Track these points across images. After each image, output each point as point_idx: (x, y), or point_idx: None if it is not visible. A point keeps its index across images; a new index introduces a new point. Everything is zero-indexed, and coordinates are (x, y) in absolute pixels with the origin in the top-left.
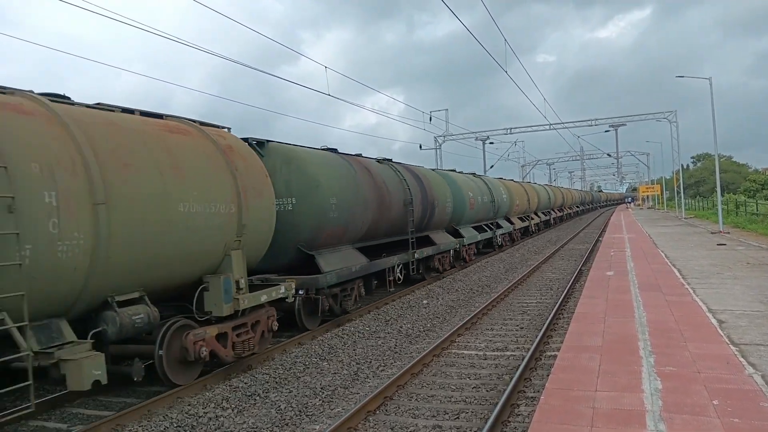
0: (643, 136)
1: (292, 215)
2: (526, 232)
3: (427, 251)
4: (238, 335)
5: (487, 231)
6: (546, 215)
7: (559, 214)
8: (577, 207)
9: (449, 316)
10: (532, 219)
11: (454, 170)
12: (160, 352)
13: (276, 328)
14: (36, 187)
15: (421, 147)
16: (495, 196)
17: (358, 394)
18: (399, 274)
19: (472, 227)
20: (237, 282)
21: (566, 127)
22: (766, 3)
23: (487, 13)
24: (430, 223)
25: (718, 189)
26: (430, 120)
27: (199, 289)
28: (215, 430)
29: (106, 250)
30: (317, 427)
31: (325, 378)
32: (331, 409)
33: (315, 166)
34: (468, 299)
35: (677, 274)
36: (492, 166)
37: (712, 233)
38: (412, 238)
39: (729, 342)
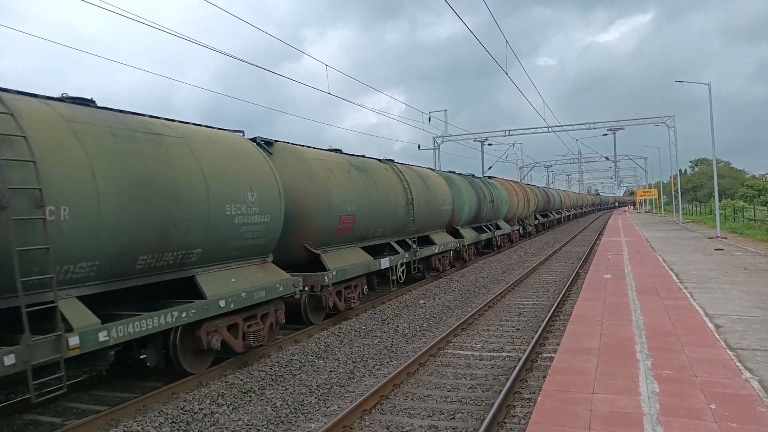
0: (641, 141)
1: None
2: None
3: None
4: None
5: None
6: (569, 212)
7: (581, 210)
8: (589, 208)
9: (446, 317)
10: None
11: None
12: None
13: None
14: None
15: (420, 147)
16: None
17: (354, 392)
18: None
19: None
20: None
21: (565, 130)
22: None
23: (489, 15)
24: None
25: (716, 194)
26: (429, 120)
27: None
28: (210, 426)
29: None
30: (313, 425)
31: (321, 376)
32: (327, 408)
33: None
34: (465, 300)
35: (674, 278)
36: (490, 168)
37: (709, 238)
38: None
39: (726, 346)
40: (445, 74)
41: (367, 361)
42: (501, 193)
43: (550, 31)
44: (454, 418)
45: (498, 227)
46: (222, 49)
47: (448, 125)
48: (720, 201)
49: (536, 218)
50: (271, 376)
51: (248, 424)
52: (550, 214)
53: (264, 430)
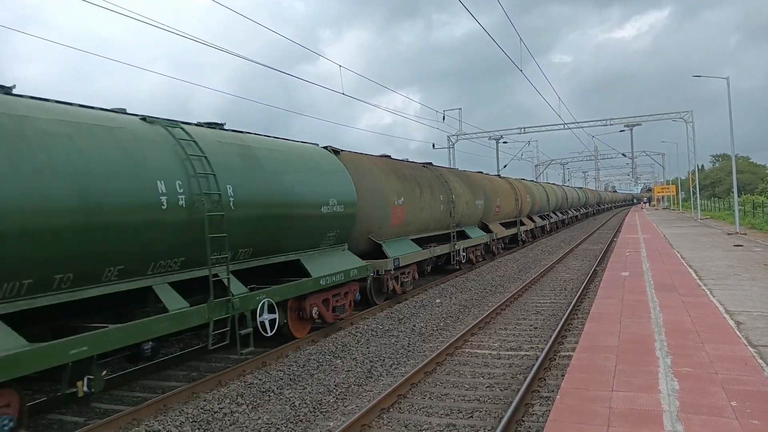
0: (658, 137)
1: None
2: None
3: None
4: None
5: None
6: (606, 205)
7: (611, 204)
8: (621, 203)
9: (462, 316)
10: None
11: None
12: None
13: None
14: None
15: (434, 146)
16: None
17: (371, 391)
18: None
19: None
20: None
21: (581, 127)
22: None
23: (504, 14)
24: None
25: (735, 189)
26: (444, 119)
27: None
28: (230, 425)
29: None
30: (331, 423)
31: (338, 375)
32: (345, 406)
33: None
34: (481, 299)
35: (693, 275)
36: (505, 166)
37: (728, 234)
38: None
39: (747, 343)
40: (460, 73)
41: (384, 360)
42: (588, 194)
43: (566, 28)
44: (472, 416)
45: (587, 208)
46: (239, 52)
47: (463, 123)
48: (739, 197)
49: (596, 206)
50: (289, 375)
51: (267, 423)
52: (600, 205)
53: (283, 428)
